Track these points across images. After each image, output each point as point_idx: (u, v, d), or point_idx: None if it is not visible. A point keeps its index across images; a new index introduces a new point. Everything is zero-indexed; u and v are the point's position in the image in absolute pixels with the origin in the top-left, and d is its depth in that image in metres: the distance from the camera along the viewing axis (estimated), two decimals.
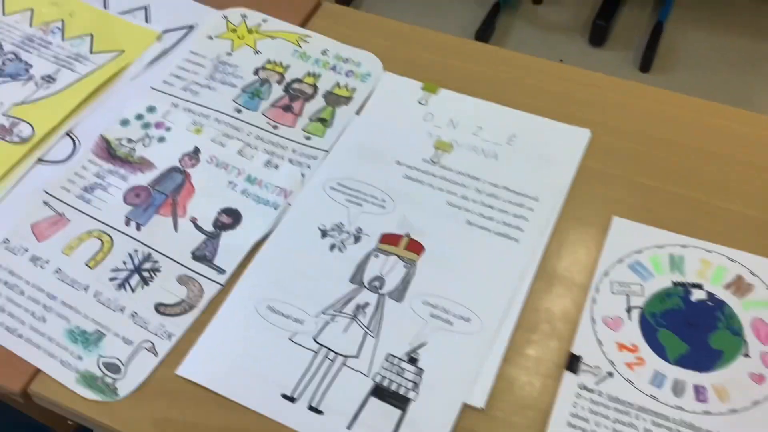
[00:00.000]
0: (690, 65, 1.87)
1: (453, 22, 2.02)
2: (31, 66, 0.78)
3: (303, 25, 0.83)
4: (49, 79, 0.77)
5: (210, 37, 0.81)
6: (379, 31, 0.81)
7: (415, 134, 0.71)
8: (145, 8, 0.84)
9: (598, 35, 1.94)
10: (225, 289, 0.62)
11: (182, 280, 0.63)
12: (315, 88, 0.76)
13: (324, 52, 0.79)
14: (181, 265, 0.64)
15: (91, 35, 0.81)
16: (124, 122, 0.73)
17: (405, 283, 0.61)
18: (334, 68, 0.78)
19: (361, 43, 0.80)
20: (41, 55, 0.79)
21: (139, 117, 0.74)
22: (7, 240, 0.66)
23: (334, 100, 0.75)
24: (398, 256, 0.63)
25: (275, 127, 0.73)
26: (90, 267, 0.64)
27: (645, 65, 1.82)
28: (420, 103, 0.74)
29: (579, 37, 2.01)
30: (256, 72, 0.78)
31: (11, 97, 0.75)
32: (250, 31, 0.81)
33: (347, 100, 0.75)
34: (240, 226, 0.66)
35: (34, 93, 0.76)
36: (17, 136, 0.72)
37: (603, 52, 1.96)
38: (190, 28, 0.82)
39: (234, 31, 0.81)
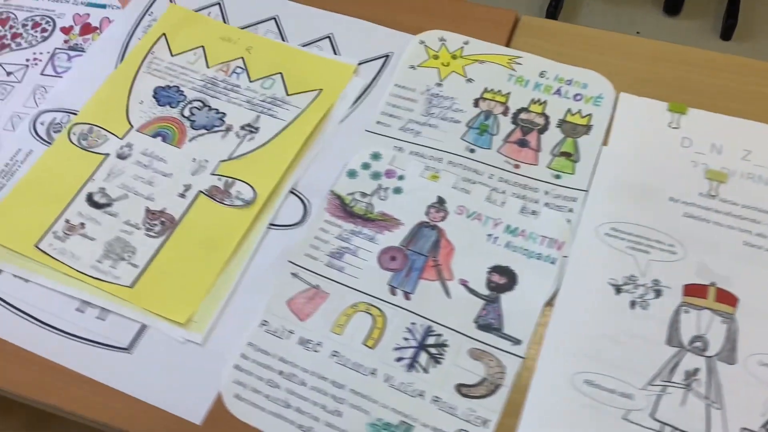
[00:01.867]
0: None
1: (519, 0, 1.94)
2: (224, 114, 0.71)
3: (508, 44, 0.75)
4: (251, 128, 0.70)
5: (413, 67, 0.73)
6: (587, 44, 0.74)
7: (678, 164, 0.65)
8: (329, 38, 0.76)
9: (673, 3, 1.87)
10: (527, 362, 0.56)
11: (475, 354, 0.57)
12: (545, 117, 0.70)
13: (542, 74, 0.72)
14: (469, 337, 0.58)
15: (281, 74, 0.73)
16: (351, 174, 0.66)
17: (731, 341, 0.55)
18: (558, 92, 0.71)
19: (573, 59, 0.73)
20: (232, 101, 0.72)
21: (366, 166, 0.67)
22: (266, 322, 0.59)
23: (571, 129, 0.69)
24: (711, 310, 0.57)
25: (516, 166, 0.66)
26: (369, 347, 0.57)
27: (726, 33, 1.76)
28: (671, 126, 0.67)
29: (652, 6, 1.94)
30: (475, 103, 0.71)
31: (214, 152, 0.68)
32: (454, 57, 0.74)
33: (586, 128, 0.68)
34: (518, 287, 0.60)
35: (238, 146, 0.69)
36: (238, 198, 0.65)
37: (679, 22, 1.90)
38: (386, 57, 0.75)
39: (436, 57, 0.74)
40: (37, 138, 0.70)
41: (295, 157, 0.68)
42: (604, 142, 0.67)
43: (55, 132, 0.70)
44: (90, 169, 0.67)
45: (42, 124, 0.71)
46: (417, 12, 0.78)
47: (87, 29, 0.78)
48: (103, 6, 0.80)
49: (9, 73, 0.75)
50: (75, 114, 0.71)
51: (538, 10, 1.91)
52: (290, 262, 0.62)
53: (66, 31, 0.78)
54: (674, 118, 0.68)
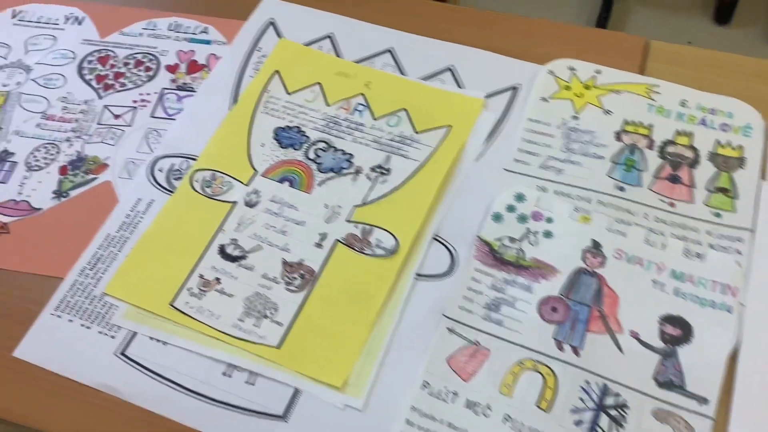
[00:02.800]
0: None
1: (566, 10, 1.90)
2: (351, 155, 0.67)
3: (641, 71, 0.71)
4: (382, 170, 0.66)
5: (544, 99, 0.70)
6: (726, 70, 0.70)
7: None
8: (451, 70, 0.73)
9: (723, 12, 1.83)
10: (717, 425, 0.52)
11: (660, 416, 0.53)
12: (694, 150, 0.65)
13: (683, 104, 0.68)
14: (650, 396, 0.53)
15: (405, 111, 0.70)
16: (497, 217, 0.62)
17: None
18: (703, 122, 0.67)
19: (713, 86, 0.69)
20: (358, 141, 0.68)
21: (511, 208, 0.63)
22: (428, 383, 0.55)
23: (723, 162, 0.64)
24: None
25: (672, 204, 0.62)
26: (543, 409, 0.54)
27: None
28: None
29: (701, 15, 1.89)
30: (617, 137, 0.67)
31: (346, 197, 0.64)
32: (587, 87, 0.70)
33: (739, 161, 0.64)
34: (695, 339, 0.56)
35: (371, 189, 0.65)
36: (379, 247, 0.61)
37: (731, 30, 1.85)
38: (514, 89, 0.71)
39: (568, 88, 0.70)
40: (157, 186, 0.66)
41: (433, 200, 0.64)
42: (762, 176, 0.63)
43: (175, 179, 0.67)
44: (218, 218, 0.64)
45: (160, 170, 0.67)
46: (537, 39, 0.74)
47: (194, 67, 0.75)
48: (208, 42, 0.77)
49: (117, 116, 0.72)
50: (194, 159, 0.68)
51: (585, 22, 1.88)
52: (445, 316, 0.58)
53: (172, 69, 0.75)
54: None
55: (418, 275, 0.60)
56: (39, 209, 0.66)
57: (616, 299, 0.58)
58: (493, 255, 0.61)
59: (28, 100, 0.73)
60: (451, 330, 0.57)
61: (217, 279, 0.61)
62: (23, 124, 0.71)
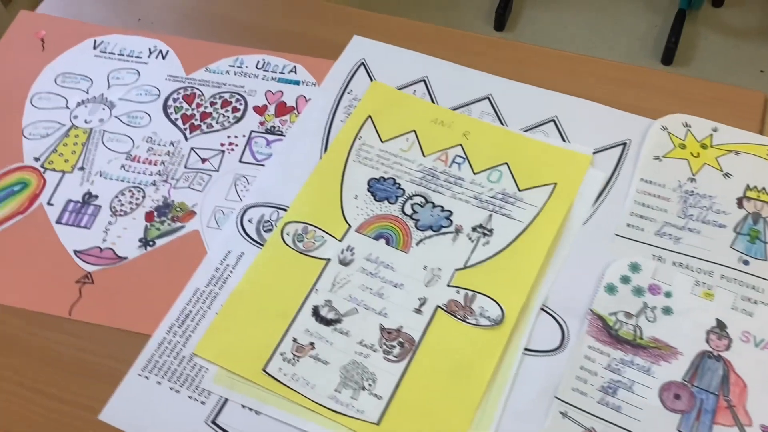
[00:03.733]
0: None
1: (629, 33, 1.84)
2: (450, 212, 0.63)
3: (761, 131, 0.66)
4: (484, 230, 0.62)
5: (658, 158, 0.65)
6: None
7: None
8: (554, 121, 0.68)
9: None
10: None
11: None
12: None
13: None
14: None
15: (507, 165, 0.66)
16: (610, 289, 0.58)
17: None
18: None
19: None
20: (457, 197, 0.64)
21: (625, 280, 0.59)
22: None
23: None
24: None
25: None
26: None
27: None
28: None
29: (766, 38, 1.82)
30: (739, 203, 0.62)
31: (447, 258, 0.61)
32: (703, 146, 0.65)
33: None
34: None
35: (472, 251, 0.61)
36: (483, 316, 0.57)
37: None
38: (624, 145, 0.66)
39: (683, 147, 0.66)
40: (247, 238, 0.63)
41: (541, 267, 0.60)
42: None
43: (265, 231, 0.64)
44: (311, 276, 0.61)
45: (250, 221, 0.64)
46: (645, 90, 0.70)
47: (283, 110, 0.72)
48: (297, 82, 0.74)
49: (204, 160, 0.69)
50: (284, 209, 0.65)
51: (651, 53, 1.82)
52: (557, 398, 0.54)
53: (260, 111, 0.72)
54: None
55: (527, 350, 0.56)
56: (124, 258, 0.63)
57: (744, 388, 0.53)
58: (608, 331, 0.56)
59: (112, 138, 0.71)
60: (564, 414, 0.53)
61: (312, 344, 0.58)
62: (107, 165, 0.69)
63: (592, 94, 0.70)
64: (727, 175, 0.64)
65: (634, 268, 0.59)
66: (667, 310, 0.57)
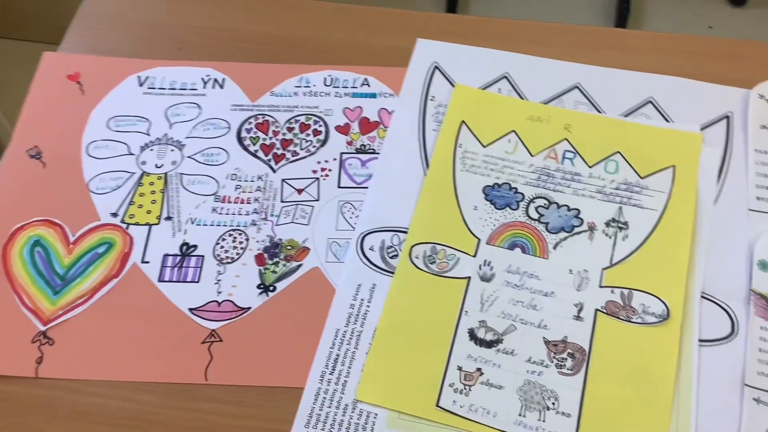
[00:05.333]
0: None
1: (582, 8, 1.87)
2: (578, 210, 0.61)
3: None
4: (618, 224, 0.60)
5: (764, 127, 0.65)
6: None
7: None
8: (651, 102, 0.67)
9: None
10: None
11: None
12: None
13: None
14: None
15: (620, 153, 0.64)
16: (763, 265, 0.58)
17: None
18: None
19: None
20: (579, 193, 0.62)
21: None
22: None
23: None
24: None
25: None
26: None
27: None
28: None
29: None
30: None
31: (590, 259, 0.59)
32: None
33: None
34: None
35: (613, 248, 0.59)
36: (647, 313, 0.56)
37: (747, 12, 1.86)
38: (727, 119, 0.66)
39: None
40: (374, 268, 0.60)
41: (690, 254, 0.58)
42: None
43: (391, 257, 0.60)
44: (456, 298, 0.57)
45: (372, 249, 0.60)
46: (724, 60, 0.69)
47: (367, 126, 0.68)
48: (373, 95, 0.70)
49: (300, 191, 0.64)
50: (403, 231, 0.61)
51: (604, 18, 1.85)
52: (747, 385, 0.53)
53: (343, 130, 0.68)
54: None
55: (701, 341, 0.55)
56: (247, 309, 0.58)
57: None
58: None
59: (192, 181, 0.65)
60: (758, 400, 0.52)
61: (479, 370, 0.54)
62: (196, 210, 0.64)
63: (678, 71, 0.69)
64: None
65: None
66: None
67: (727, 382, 0.53)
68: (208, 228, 0.62)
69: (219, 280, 0.60)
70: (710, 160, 0.63)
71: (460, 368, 0.55)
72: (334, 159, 0.66)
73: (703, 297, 0.57)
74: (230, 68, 0.72)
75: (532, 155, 0.65)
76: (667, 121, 0.66)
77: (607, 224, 0.60)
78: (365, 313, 0.57)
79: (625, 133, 0.65)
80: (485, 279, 0.58)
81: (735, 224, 0.60)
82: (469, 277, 0.58)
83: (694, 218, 0.60)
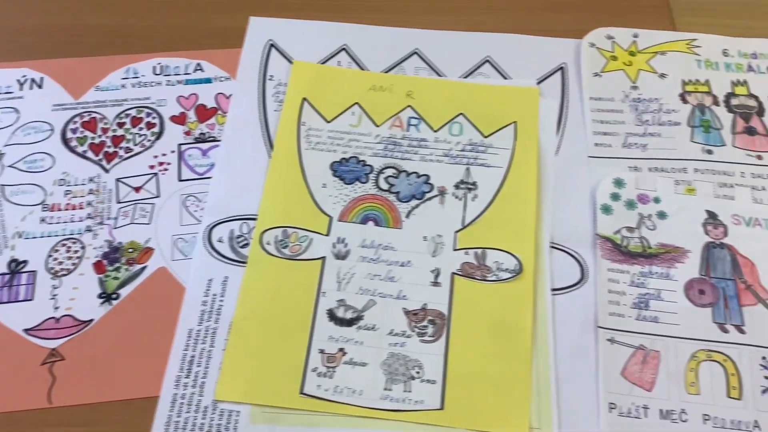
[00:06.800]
0: None
1: None
2: (427, 176, 0.61)
3: (674, 26, 0.70)
4: (467, 185, 0.60)
5: (597, 74, 0.67)
6: (748, 12, 0.71)
7: None
8: (488, 61, 0.68)
9: None
10: None
11: None
12: (755, 98, 0.65)
13: (725, 53, 0.68)
14: None
15: (463, 114, 0.64)
16: (605, 209, 0.59)
17: None
18: (751, 68, 0.67)
19: (745, 30, 0.69)
20: (427, 159, 0.62)
21: (615, 197, 0.60)
22: (614, 405, 0.51)
23: None
24: None
25: (759, 157, 0.62)
26: (736, 398, 0.52)
27: None
28: None
29: None
30: (683, 99, 0.65)
31: (443, 223, 0.59)
32: (632, 53, 0.68)
33: None
34: None
35: (464, 209, 0.59)
36: (502, 270, 0.56)
37: None
38: (561, 69, 0.67)
39: (615, 58, 0.67)
40: (224, 259, 0.57)
41: (536, 206, 0.59)
42: None
43: (241, 247, 0.57)
44: (312, 280, 0.56)
45: (220, 241, 0.58)
46: (553, 13, 0.71)
47: (204, 113, 0.65)
48: (209, 80, 0.67)
49: (137, 189, 0.60)
50: (252, 219, 0.59)
51: None
52: (600, 327, 0.54)
53: (179, 120, 0.64)
54: None
55: (554, 290, 0.56)
56: (89, 321, 0.54)
57: (753, 266, 0.57)
58: (619, 250, 0.57)
59: (16, 192, 0.60)
60: (611, 340, 0.54)
61: (341, 350, 0.53)
62: (22, 223, 0.59)
63: (509, 28, 0.69)
64: (662, 75, 0.66)
65: (619, 183, 0.60)
66: (661, 215, 0.59)
67: (581, 325, 0.54)
68: (38, 240, 0.58)
69: (55, 295, 0.55)
70: (548, 113, 0.64)
71: (322, 351, 0.53)
72: (172, 151, 0.62)
73: (552, 246, 0.58)
74: (48, 66, 0.67)
75: (377, 126, 0.63)
76: (505, 78, 0.66)
77: (457, 186, 0.60)
78: (219, 309, 0.55)
79: (466, 95, 0.65)
80: (340, 257, 0.57)
81: (577, 173, 0.61)
82: (324, 257, 0.57)
83: (538, 171, 0.61)
